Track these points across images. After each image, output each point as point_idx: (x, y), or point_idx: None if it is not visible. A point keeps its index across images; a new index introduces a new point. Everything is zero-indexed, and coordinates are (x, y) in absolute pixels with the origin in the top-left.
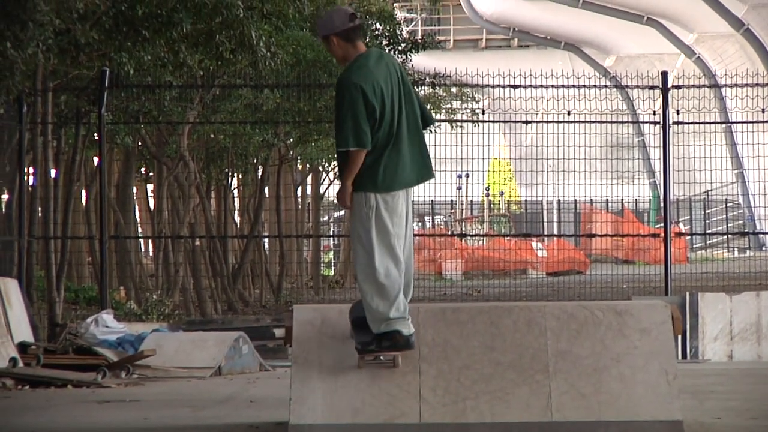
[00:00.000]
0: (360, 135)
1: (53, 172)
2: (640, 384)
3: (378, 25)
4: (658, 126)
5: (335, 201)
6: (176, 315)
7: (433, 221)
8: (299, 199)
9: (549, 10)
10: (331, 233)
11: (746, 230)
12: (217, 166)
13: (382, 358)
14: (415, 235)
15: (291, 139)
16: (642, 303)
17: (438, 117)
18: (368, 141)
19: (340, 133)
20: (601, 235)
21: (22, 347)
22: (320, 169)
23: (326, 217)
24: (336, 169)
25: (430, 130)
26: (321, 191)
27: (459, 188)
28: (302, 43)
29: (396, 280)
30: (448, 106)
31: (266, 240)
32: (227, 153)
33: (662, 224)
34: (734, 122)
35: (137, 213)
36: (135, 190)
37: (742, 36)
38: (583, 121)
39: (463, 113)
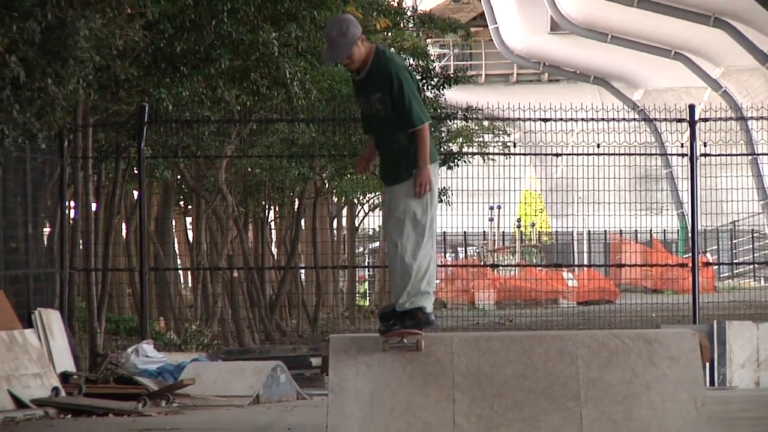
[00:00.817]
0: (424, 110)
1: (94, 206)
2: (670, 411)
3: (412, 61)
4: (685, 158)
5: (419, 189)
6: (215, 345)
7: (465, 252)
8: (335, 231)
9: (579, 45)
10: (366, 264)
11: None
12: (254, 199)
13: (405, 341)
14: (448, 266)
15: (326, 173)
16: (671, 331)
17: (470, 150)
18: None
19: (410, 113)
20: (630, 265)
21: (64, 377)
22: (355, 201)
23: (361, 249)
24: (375, 200)
25: (463, 162)
26: (356, 223)
27: (491, 219)
28: (337, 78)
29: (430, 254)
30: (480, 139)
31: (303, 271)
32: (264, 186)
33: (690, 254)
34: (760, 154)
35: (176, 245)
36: (174, 222)
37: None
38: (612, 154)
39: (494, 146)
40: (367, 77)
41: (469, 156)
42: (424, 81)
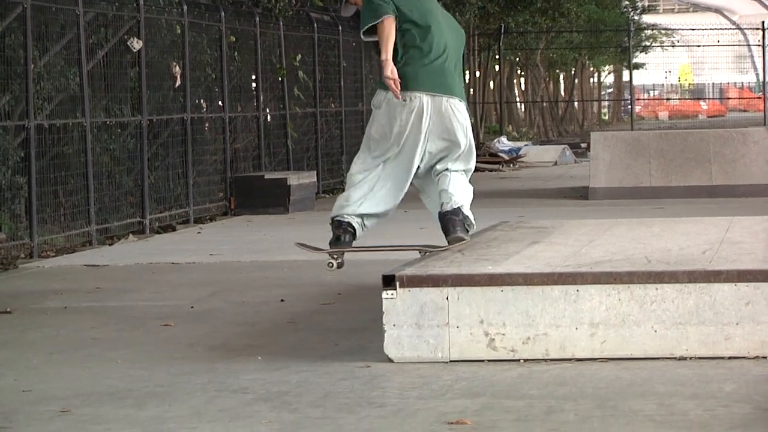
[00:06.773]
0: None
1: (477, 73)
2: (754, 166)
3: (627, 2)
4: (760, 47)
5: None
6: (534, 136)
7: (653, 92)
8: (591, 83)
9: None
10: (606, 99)
11: None
12: (553, 69)
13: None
14: (645, 99)
15: (587, 55)
16: (753, 129)
17: (654, 43)
18: None
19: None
20: (732, 98)
21: None
22: (601, 69)
23: (603, 92)
24: (609, 69)
25: (652, 50)
26: (602, 79)
27: (666, 77)
28: (591, 11)
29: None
30: (662, 39)
31: (575, 103)
32: (557, 63)
33: (762, 92)
34: None
35: (516, 91)
36: (515, 80)
37: None
38: (725, 44)
39: (667, 42)
40: None
41: (655, 45)
42: (633, 10)
